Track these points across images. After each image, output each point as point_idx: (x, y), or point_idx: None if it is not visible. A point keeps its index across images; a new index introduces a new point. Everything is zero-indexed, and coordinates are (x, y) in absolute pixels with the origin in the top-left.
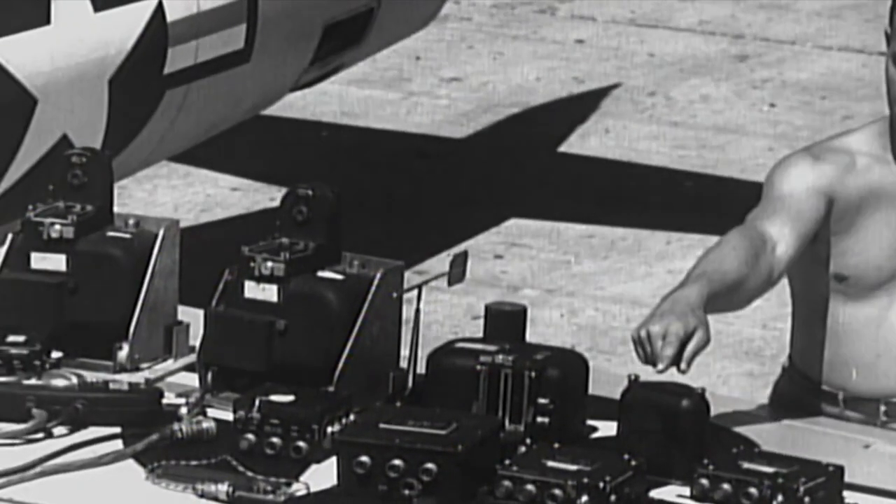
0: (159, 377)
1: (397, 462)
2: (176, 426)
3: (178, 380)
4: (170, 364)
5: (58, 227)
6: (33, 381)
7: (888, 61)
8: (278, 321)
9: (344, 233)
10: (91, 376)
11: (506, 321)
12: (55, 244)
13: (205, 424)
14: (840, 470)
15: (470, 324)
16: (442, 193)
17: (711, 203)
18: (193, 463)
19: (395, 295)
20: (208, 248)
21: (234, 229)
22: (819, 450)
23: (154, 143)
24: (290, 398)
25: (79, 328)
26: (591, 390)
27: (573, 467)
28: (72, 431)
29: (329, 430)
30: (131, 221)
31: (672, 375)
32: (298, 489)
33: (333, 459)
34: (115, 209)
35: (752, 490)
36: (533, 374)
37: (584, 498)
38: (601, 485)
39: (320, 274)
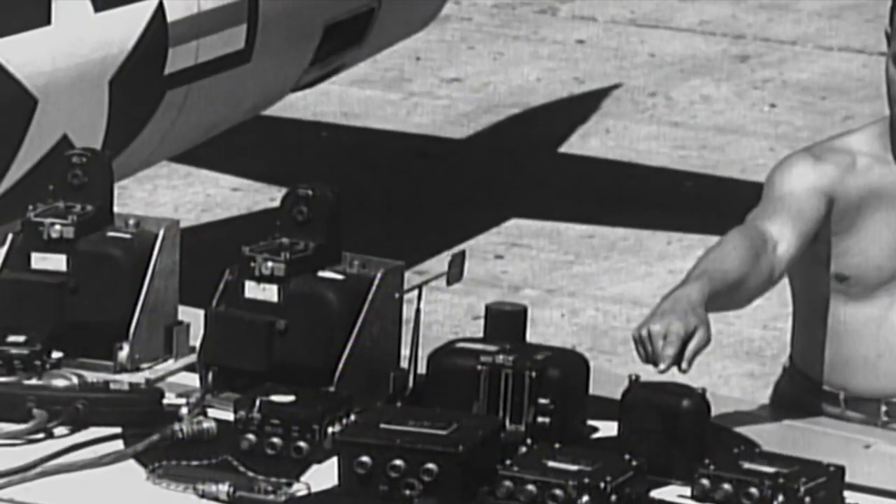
0: (160, 377)
1: (398, 462)
2: (177, 426)
3: (178, 380)
4: (170, 364)
5: (58, 227)
6: (34, 382)
7: (888, 61)
8: (279, 321)
9: (344, 233)
10: (91, 376)
11: (506, 321)
12: (55, 244)
13: (205, 424)
14: (841, 470)
15: (470, 324)
16: (442, 194)
17: (712, 203)
18: (194, 463)
19: (395, 295)
20: (209, 248)
21: (234, 229)
22: (820, 450)
23: (154, 143)
24: (291, 398)
25: (79, 328)
26: (591, 390)
27: (574, 467)
28: (72, 432)
29: (330, 430)
30: (131, 221)
31: (673, 375)
32: (299, 489)
33: (334, 460)
34: (116, 209)
35: (753, 490)
36: (533, 374)
37: (585, 498)
38: (602, 485)
39: (320, 274)
